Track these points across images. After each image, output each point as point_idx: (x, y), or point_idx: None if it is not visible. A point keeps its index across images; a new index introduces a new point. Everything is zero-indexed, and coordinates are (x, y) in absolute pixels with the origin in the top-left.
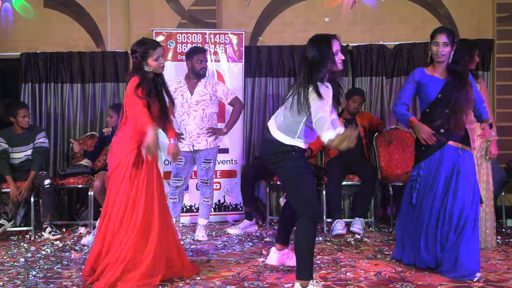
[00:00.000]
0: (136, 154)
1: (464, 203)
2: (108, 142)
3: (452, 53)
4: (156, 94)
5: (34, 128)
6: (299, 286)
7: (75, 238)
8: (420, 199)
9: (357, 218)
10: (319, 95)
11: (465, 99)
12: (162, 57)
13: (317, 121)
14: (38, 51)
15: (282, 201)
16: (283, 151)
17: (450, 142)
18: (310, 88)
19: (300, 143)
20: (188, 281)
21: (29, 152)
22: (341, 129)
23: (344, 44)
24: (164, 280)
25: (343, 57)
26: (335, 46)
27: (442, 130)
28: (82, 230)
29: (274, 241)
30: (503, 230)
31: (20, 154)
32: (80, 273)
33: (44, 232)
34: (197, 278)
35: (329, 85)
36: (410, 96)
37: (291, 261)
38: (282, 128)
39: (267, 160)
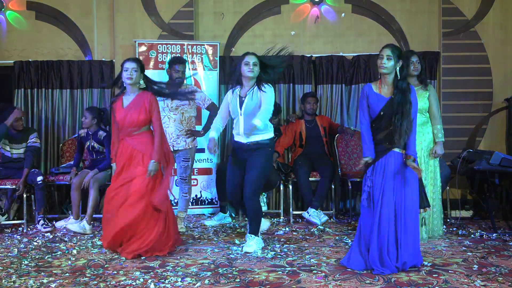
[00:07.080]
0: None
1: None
2: (84, 143)
3: (398, 68)
4: None
5: (28, 129)
6: None
7: (64, 230)
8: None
9: (313, 210)
10: None
11: (405, 114)
12: (132, 70)
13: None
14: (30, 60)
15: None
16: None
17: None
18: None
19: (234, 135)
20: (169, 268)
21: (22, 150)
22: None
23: (308, 55)
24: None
25: (250, 69)
26: (245, 59)
27: (386, 143)
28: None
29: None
30: (448, 220)
31: (13, 151)
32: (69, 262)
33: (38, 224)
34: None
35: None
36: (367, 112)
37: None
38: None
39: None
